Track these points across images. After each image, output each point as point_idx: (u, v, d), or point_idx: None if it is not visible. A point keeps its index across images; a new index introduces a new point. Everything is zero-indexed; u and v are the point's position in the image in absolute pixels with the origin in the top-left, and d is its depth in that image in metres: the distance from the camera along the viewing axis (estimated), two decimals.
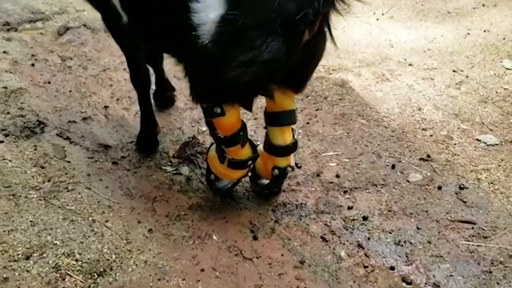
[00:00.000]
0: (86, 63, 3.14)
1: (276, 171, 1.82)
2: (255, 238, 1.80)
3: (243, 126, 1.74)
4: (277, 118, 1.77)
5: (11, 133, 2.26)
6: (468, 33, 3.56)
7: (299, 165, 2.18)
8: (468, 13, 3.94)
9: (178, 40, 1.61)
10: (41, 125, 2.36)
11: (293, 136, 1.83)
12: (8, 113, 2.45)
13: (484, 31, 3.58)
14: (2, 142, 2.20)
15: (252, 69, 1.40)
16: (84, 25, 3.69)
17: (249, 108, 1.70)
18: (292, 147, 1.82)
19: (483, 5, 4.07)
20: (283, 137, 1.79)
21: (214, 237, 1.79)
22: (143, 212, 1.87)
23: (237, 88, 1.47)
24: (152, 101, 2.41)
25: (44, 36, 3.55)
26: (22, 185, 1.89)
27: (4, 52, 3.13)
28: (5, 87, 2.69)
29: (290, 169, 1.86)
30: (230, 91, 1.52)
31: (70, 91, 2.80)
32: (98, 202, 1.88)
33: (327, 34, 1.59)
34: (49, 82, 2.85)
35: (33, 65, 3.04)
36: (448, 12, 3.96)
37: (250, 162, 1.80)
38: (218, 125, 1.71)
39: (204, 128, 2.45)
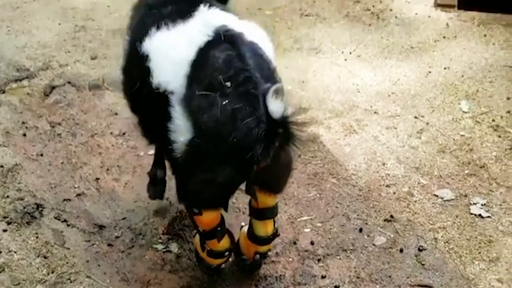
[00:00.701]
0: (75, 128, 3.35)
1: (258, 256, 2.08)
2: None
3: (221, 222, 1.99)
4: (260, 214, 2.01)
5: (13, 221, 2.48)
6: (429, 71, 3.83)
7: (278, 233, 2.43)
8: (430, 47, 4.21)
9: (162, 145, 1.93)
10: (39, 208, 2.58)
11: (274, 225, 2.07)
12: (7, 196, 2.66)
13: (445, 68, 3.85)
14: (6, 231, 2.42)
15: (210, 187, 1.75)
16: (69, 82, 3.91)
17: (224, 209, 1.95)
18: (273, 237, 2.08)
19: (444, 37, 4.35)
20: (265, 229, 2.04)
21: None
22: None
23: (199, 200, 1.81)
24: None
25: (31, 97, 3.75)
26: (29, 281, 2.12)
27: None
28: (2, 166, 2.90)
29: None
30: (195, 198, 1.84)
31: (62, 162, 3.01)
32: None
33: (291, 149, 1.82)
34: (41, 155, 3.06)
35: (24, 135, 3.25)
36: (412, 47, 4.22)
37: (227, 253, 2.05)
38: (197, 221, 1.96)
39: None
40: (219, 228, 1.97)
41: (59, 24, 5.04)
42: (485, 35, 4.33)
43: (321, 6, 5.21)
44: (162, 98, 1.74)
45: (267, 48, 1.89)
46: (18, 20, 5.15)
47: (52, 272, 2.17)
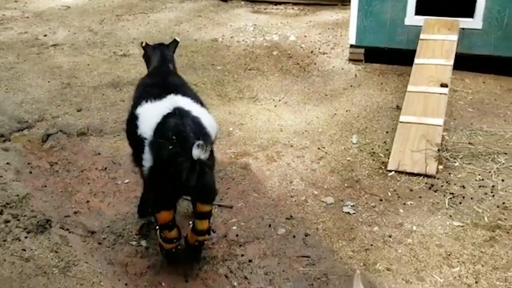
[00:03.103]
0: (68, 166, 4.48)
1: (197, 243, 3.26)
2: (186, 281, 3.20)
3: (173, 220, 3.16)
4: (200, 215, 3.16)
5: (31, 230, 3.58)
6: (335, 113, 5.12)
7: (214, 230, 3.60)
8: (339, 94, 5.53)
9: (140, 169, 3.15)
10: (48, 222, 3.69)
11: (209, 223, 3.24)
12: (25, 215, 3.76)
13: (347, 110, 5.16)
14: (26, 237, 3.52)
15: (161, 195, 2.99)
16: (61, 131, 5.04)
17: (174, 210, 3.16)
18: (207, 231, 3.25)
19: (351, 85, 5.68)
20: (202, 225, 3.18)
21: (163, 283, 3.18)
22: (121, 274, 3.24)
23: (156, 203, 3.04)
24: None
25: (31, 143, 4.87)
26: (47, 266, 3.21)
27: (8, 163, 4.43)
28: (17, 195, 4.00)
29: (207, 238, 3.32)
30: (153, 201, 3.10)
31: (61, 191, 4.13)
32: (93, 271, 3.23)
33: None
34: (45, 186, 4.18)
35: (31, 172, 4.36)
36: (326, 94, 5.54)
37: (175, 240, 3.19)
38: (157, 217, 3.13)
39: None
40: (170, 223, 3.14)
41: (48, 81, 6.22)
42: (381, 83, 5.69)
43: (262, 61, 6.54)
44: (142, 141, 2.94)
45: (206, 118, 3.12)
46: (14, 79, 6.31)
47: (62, 261, 3.26)
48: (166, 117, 2.92)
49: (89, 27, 8.21)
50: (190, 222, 3.34)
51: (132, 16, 8.63)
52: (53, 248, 3.40)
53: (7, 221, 3.68)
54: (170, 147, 2.74)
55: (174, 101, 3.06)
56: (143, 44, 3.83)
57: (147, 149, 2.92)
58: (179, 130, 2.81)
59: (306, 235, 3.51)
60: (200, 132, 2.92)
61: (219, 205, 3.85)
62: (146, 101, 3.13)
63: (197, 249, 3.33)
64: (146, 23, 8.22)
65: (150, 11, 8.85)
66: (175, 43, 3.83)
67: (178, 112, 2.92)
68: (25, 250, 3.39)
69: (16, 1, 9.81)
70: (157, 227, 3.22)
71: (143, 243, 3.54)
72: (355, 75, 5.94)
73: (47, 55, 7.09)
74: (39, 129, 5.11)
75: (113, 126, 5.07)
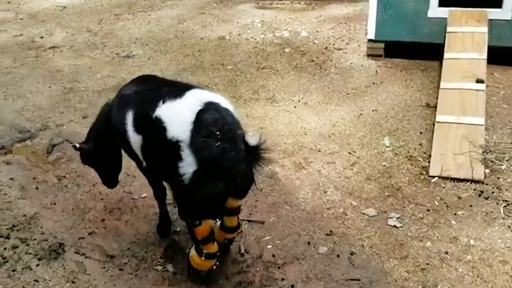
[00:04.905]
0: (78, 179, 4.10)
1: (226, 241, 3.04)
2: None
3: (212, 231, 2.87)
4: (230, 212, 2.92)
5: (43, 257, 3.20)
6: (361, 114, 4.77)
7: (247, 251, 3.25)
8: (362, 92, 5.18)
9: (172, 179, 2.75)
10: (61, 246, 3.31)
11: (238, 220, 3.00)
12: (34, 239, 3.38)
13: (373, 110, 4.81)
14: (38, 265, 3.14)
15: (210, 199, 2.63)
16: (67, 140, 4.65)
17: (219, 217, 2.90)
18: (237, 228, 3.02)
19: (373, 83, 5.33)
20: (232, 222, 2.97)
21: None
22: None
23: (203, 209, 2.71)
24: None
25: (35, 155, 4.48)
26: None
27: (11, 179, 4.04)
28: (24, 215, 3.62)
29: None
30: (199, 210, 2.73)
31: (72, 209, 3.75)
32: None
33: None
34: (54, 203, 3.79)
35: (37, 188, 3.97)
36: (347, 93, 5.18)
37: (218, 253, 2.91)
38: (197, 231, 2.84)
39: (178, 228, 3.49)
40: (211, 235, 2.85)
41: (49, 86, 5.81)
42: (405, 80, 5.35)
43: (274, 59, 6.17)
44: (174, 145, 2.59)
45: (232, 110, 2.83)
46: (12, 85, 5.90)
47: None
48: (200, 114, 2.61)
49: (88, 27, 7.79)
50: (216, 221, 3.06)
51: (131, 15, 8.21)
52: (69, 278, 3.03)
53: (15, 247, 3.29)
54: (218, 143, 2.50)
55: (200, 96, 2.74)
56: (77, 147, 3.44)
57: (186, 153, 2.57)
58: (222, 124, 2.56)
59: (351, 254, 3.16)
60: (238, 123, 2.71)
61: (249, 221, 3.50)
62: (163, 102, 2.74)
63: (226, 248, 3.12)
64: (147, 22, 7.81)
65: (150, 9, 8.44)
66: None
67: (214, 106, 2.65)
68: (38, 281, 3.02)
69: (9, 2, 9.35)
70: (192, 247, 2.89)
71: (170, 267, 3.18)
72: (376, 71, 5.59)
73: (46, 58, 6.67)
74: (43, 139, 4.72)
75: None
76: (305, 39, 6.60)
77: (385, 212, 3.50)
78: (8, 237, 3.37)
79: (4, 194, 3.84)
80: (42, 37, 7.47)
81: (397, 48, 5.75)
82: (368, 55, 5.85)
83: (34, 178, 4.09)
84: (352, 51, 6.12)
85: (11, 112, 5.23)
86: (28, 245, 3.31)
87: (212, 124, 2.56)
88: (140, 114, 2.84)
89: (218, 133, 2.53)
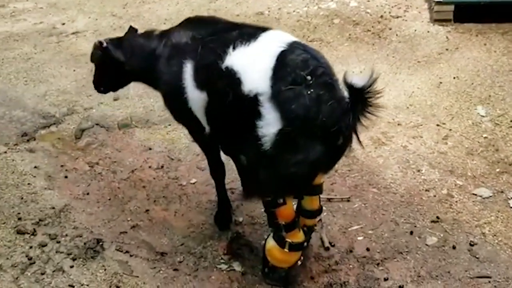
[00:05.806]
0: (113, 166, 3.45)
1: (305, 229, 2.30)
2: None
3: (298, 215, 2.20)
4: (310, 190, 2.23)
5: (78, 256, 2.57)
6: (441, 82, 4.03)
7: (332, 244, 2.55)
8: (435, 60, 4.44)
9: (246, 146, 2.10)
10: (100, 243, 2.67)
11: (319, 203, 2.30)
12: (66, 235, 2.75)
13: (454, 78, 4.07)
14: (73, 266, 2.50)
15: (303, 167, 1.96)
16: (97, 124, 4.02)
17: (301, 197, 2.20)
18: (318, 213, 2.32)
19: (447, 49, 4.59)
20: (312, 204, 2.29)
21: None
22: None
23: (293, 182, 2.02)
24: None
25: (62, 141, 3.86)
26: None
27: (35, 167, 3.43)
28: (53, 207, 2.99)
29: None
30: (289, 184, 2.04)
31: (109, 199, 3.11)
32: None
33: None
34: (87, 193, 3.16)
35: (66, 177, 3.34)
36: (418, 61, 4.45)
37: (305, 244, 2.24)
38: (280, 214, 2.17)
39: (241, 218, 2.82)
40: (296, 219, 2.19)
41: (74, 70, 5.20)
42: (485, 44, 4.59)
43: (323, 31, 5.46)
44: (252, 99, 1.96)
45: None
46: (33, 70, 5.31)
47: None
48: (284, 55, 1.98)
49: (112, 12, 7.19)
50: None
51: None
52: (112, 281, 2.39)
53: (43, 245, 2.68)
54: (309, 91, 1.89)
55: (280, 36, 2.12)
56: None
57: (266, 108, 1.94)
58: (315, 66, 1.95)
59: (471, 245, 2.45)
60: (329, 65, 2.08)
61: (329, 200, 2.81)
62: (234, 48, 2.09)
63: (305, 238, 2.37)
64: (176, 3, 7.18)
65: None
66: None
67: (301, 46, 2.05)
68: (73, 286, 2.38)
69: None
70: (269, 237, 2.23)
71: (236, 266, 2.50)
72: (446, 37, 4.84)
73: (68, 43, 6.09)
74: (70, 124, 4.10)
75: (161, 114, 4.03)
76: (356, 8, 5.89)
77: (502, 192, 2.77)
78: (34, 233, 2.76)
79: (28, 184, 3.23)
80: (63, 24, 6.92)
81: (468, 11, 5.00)
82: (435, 20, 5.11)
83: (62, 166, 3.47)
84: (413, 18, 5.38)
85: (32, 97, 4.63)
86: (58, 242, 2.69)
87: (301, 67, 1.94)
88: (204, 65, 2.18)
89: (309, 77, 1.91)
